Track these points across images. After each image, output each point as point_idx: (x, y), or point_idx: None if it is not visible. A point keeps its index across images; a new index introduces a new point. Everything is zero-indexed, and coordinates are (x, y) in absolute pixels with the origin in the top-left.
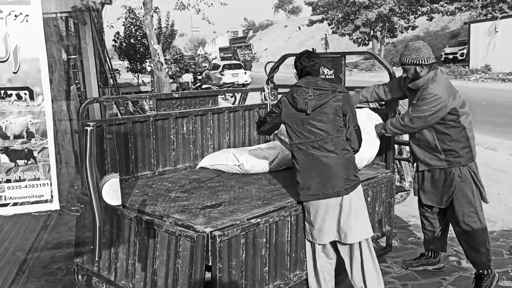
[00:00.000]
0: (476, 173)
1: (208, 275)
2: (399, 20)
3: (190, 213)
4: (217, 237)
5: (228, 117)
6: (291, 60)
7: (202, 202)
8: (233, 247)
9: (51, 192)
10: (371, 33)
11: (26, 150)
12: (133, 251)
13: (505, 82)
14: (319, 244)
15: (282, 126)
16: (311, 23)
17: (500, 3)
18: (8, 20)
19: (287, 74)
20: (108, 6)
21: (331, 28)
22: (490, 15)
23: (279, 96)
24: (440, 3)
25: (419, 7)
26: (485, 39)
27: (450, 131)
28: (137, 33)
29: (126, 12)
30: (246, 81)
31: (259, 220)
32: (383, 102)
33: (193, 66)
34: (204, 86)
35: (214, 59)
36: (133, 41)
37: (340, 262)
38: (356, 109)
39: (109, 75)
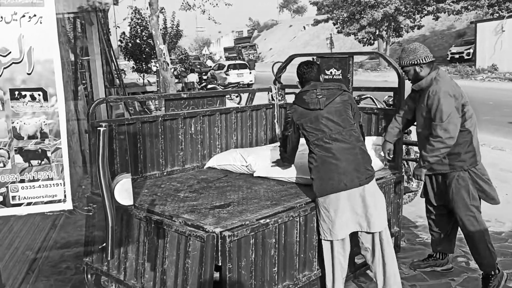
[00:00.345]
0: (481, 176)
1: (216, 275)
2: (404, 19)
3: (199, 213)
4: (227, 237)
5: (235, 117)
6: (298, 60)
7: (211, 202)
8: (242, 248)
9: (64, 192)
10: (377, 33)
11: (39, 150)
12: (142, 250)
13: None
14: (337, 240)
15: None
16: (316, 22)
17: (507, 2)
18: (23, 22)
19: (294, 74)
20: (114, 7)
21: (336, 28)
22: (497, 14)
23: (286, 96)
24: (446, 2)
25: (425, 7)
26: (491, 39)
27: None
28: (143, 33)
29: (132, 13)
30: (251, 81)
31: (268, 220)
32: (391, 104)
33: (198, 66)
34: (209, 86)
35: (219, 59)
36: (138, 41)
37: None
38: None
39: (116, 75)
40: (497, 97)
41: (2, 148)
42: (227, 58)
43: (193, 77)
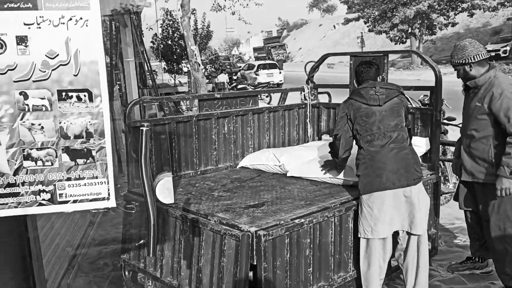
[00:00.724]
0: None
1: (249, 273)
2: (438, 17)
3: (234, 212)
4: (262, 236)
5: (268, 117)
6: (330, 60)
7: (245, 202)
8: (277, 247)
9: (108, 190)
10: (409, 31)
11: (85, 149)
12: (178, 248)
13: None
14: (378, 240)
15: None
16: (347, 21)
17: None
18: (69, 25)
19: (325, 73)
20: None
21: (367, 26)
22: None
23: (319, 96)
24: None
25: (459, 3)
26: None
27: (504, 141)
28: (174, 34)
29: (163, 14)
30: (281, 80)
31: (302, 220)
32: (427, 103)
33: (228, 67)
34: (239, 86)
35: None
36: (170, 43)
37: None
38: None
39: (148, 76)
40: None
41: (50, 147)
42: (257, 58)
43: (223, 78)
